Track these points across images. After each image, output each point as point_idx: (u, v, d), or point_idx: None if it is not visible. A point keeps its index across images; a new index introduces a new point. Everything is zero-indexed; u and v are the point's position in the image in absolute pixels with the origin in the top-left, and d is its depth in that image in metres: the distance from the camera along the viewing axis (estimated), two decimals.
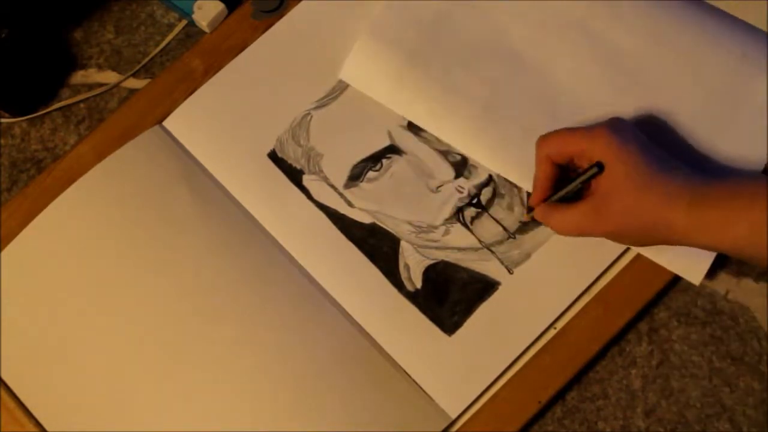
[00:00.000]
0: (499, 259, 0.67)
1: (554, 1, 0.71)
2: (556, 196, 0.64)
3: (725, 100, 0.69)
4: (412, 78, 0.70)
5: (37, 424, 0.64)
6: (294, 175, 0.70)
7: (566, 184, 0.64)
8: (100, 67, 0.75)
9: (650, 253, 0.66)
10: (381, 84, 0.70)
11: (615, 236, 0.63)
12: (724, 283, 0.69)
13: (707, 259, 0.66)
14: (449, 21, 0.72)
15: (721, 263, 0.69)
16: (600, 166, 0.61)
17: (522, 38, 0.71)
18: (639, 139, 0.62)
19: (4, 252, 0.67)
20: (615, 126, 0.62)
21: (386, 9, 0.72)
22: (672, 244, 0.61)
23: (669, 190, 0.60)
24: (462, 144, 0.69)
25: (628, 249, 0.67)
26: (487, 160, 0.69)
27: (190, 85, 0.72)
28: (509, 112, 0.69)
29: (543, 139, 0.64)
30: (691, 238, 0.60)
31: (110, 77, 0.75)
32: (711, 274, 0.69)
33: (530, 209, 0.66)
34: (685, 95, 0.69)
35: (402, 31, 0.71)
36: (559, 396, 0.66)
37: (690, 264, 0.66)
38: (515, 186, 0.69)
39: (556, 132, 0.64)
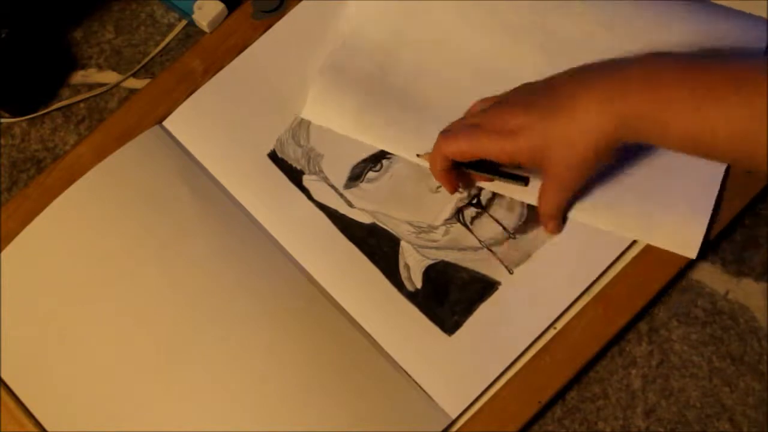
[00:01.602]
0: (499, 259, 0.67)
1: (507, 2, 0.71)
2: (502, 175, 0.66)
3: None
4: (373, 108, 0.70)
5: (37, 424, 0.64)
6: (294, 176, 0.70)
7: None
8: (100, 67, 0.75)
9: (641, 235, 0.66)
10: (343, 120, 0.70)
11: (581, 182, 0.64)
12: (724, 283, 0.69)
13: (699, 231, 0.66)
14: (402, 43, 0.71)
15: (721, 263, 0.69)
16: (526, 181, 0.65)
17: (483, 50, 0.71)
18: (509, 100, 0.64)
19: (4, 252, 0.67)
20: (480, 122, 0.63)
21: (337, 47, 0.71)
22: (639, 139, 0.59)
23: (587, 110, 0.58)
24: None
25: (628, 249, 0.67)
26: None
27: (190, 85, 0.72)
28: None
29: (446, 140, 0.64)
30: (631, 139, 0.59)
31: (110, 77, 0.75)
32: (711, 273, 0.69)
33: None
34: None
35: (357, 65, 0.71)
36: (559, 396, 0.66)
37: (683, 239, 0.66)
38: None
39: (462, 137, 0.63)
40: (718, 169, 0.68)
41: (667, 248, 0.66)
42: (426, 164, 0.67)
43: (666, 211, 0.67)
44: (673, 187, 0.67)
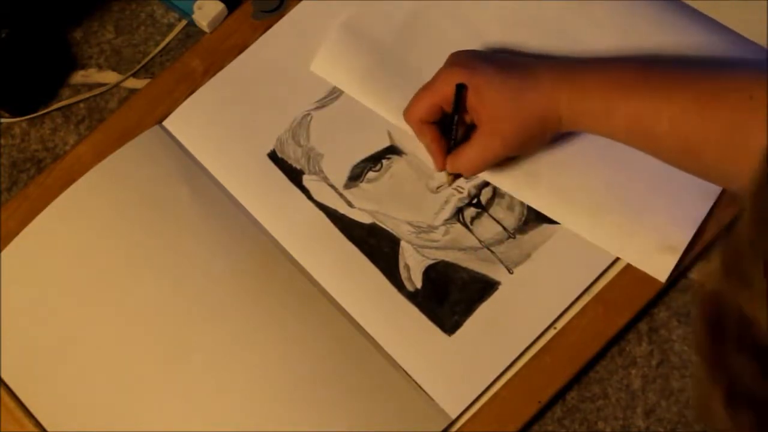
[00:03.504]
0: (499, 259, 0.67)
1: (529, 2, 0.71)
2: (451, 141, 0.65)
3: None
4: (382, 75, 0.70)
5: (37, 424, 0.64)
6: (294, 175, 0.70)
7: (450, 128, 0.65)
8: (100, 67, 0.75)
9: (616, 250, 0.66)
10: (351, 79, 0.71)
11: (517, 145, 0.65)
12: None
13: (672, 258, 0.66)
14: (424, 20, 0.72)
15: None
16: (460, 85, 0.63)
17: (495, 39, 0.71)
18: (480, 55, 0.65)
19: (4, 252, 0.67)
20: (454, 59, 0.65)
21: (361, 7, 0.72)
22: (563, 130, 0.64)
23: (545, 78, 0.63)
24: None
25: None
26: None
27: (190, 85, 0.72)
28: None
29: (406, 111, 0.66)
30: (578, 125, 0.63)
31: (110, 77, 0.75)
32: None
33: (449, 175, 0.67)
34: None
35: (375, 30, 0.71)
36: (559, 396, 0.66)
37: (656, 262, 0.66)
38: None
39: (412, 99, 0.65)
40: (706, 200, 0.67)
41: (639, 267, 0.66)
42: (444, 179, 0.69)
43: (646, 231, 0.66)
44: (659, 208, 0.67)
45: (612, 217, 0.67)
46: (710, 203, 0.67)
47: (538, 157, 0.68)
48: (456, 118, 0.64)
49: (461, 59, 0.65)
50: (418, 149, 0.69)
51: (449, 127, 0.65)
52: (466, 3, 0.72)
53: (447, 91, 0.64)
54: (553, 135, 0.65)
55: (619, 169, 0.67)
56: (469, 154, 0.64)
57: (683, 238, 0.66)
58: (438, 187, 0.69)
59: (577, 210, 0.67)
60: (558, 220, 0.67)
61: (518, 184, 0.68)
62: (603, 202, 0.67)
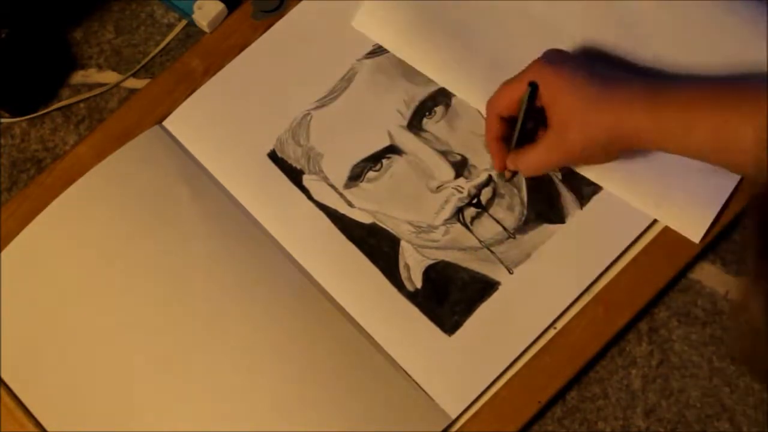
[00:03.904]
0: (499, 259, 0.67)
1: None
2: (514, 140, 0.65)
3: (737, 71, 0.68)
4: (425, 29, 0.71)
5: (37, 424, 0.64)
6: (294, 175, 0.70)
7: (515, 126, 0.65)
8: (100, 67, 0.75)
9: (650, 208, 0.66)
10: (394, 34, 0.71)
11: (586, 155, 0.64)
12: (724, 283, 0.69)
13: (708, 215, 0.66)
14: None
15: (721, 263, 0.69)
16: (533, 85, 0.62)
17: (540, 10, 0.71)
18: (575, 60, 0.64)
19: (4, 252, 0.67)
20: (547, 56, 0.64)
21: None
22: (640, 148, 0.63)
23: (623, 97, 0.61)
24: (473, 98, 0.70)
25: (628, 248, 0.67)
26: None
27: (190, 85, 0.72)
28: (520, 68, 0.67)
29: (490, 102, 0.66)
30: (657, 143, 0.62)
31: (110, 77, 0.75)
32: (711, 273, 0.69)
33: (508, 171, 0.68)
34: (695, 60, 0.69)
35: None
36: (559, 396, 0.66)
37: (690, 220, 0.66)
38: (515, 186, 0.69)
39: (498, 90, 0.66)
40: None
41: (671, 226, 0.66)
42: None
43: (680, 190, 0.66)
44: (693, 169, 0.65)
45: (647, 176, 0.67)
46: None
47: None
48: (522, 116, 0.64)
49: (553, 58, 0.64)
50: (418, 149, 0.69)
51: (515, 125, 0.65)
52: None
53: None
54: (622, 151, 0.65)
55: None
56: (531, 156, 0.65)
57: (719, 197, 0.66)
58: (438, 187, 0.69)
59: (613, 171, 0.67)
60: (595, 181, 0.68)
61: None
62: (638, 162, 0.67)
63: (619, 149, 0.64)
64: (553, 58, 0.64)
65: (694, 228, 0.66)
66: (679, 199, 0.66)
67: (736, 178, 0.66)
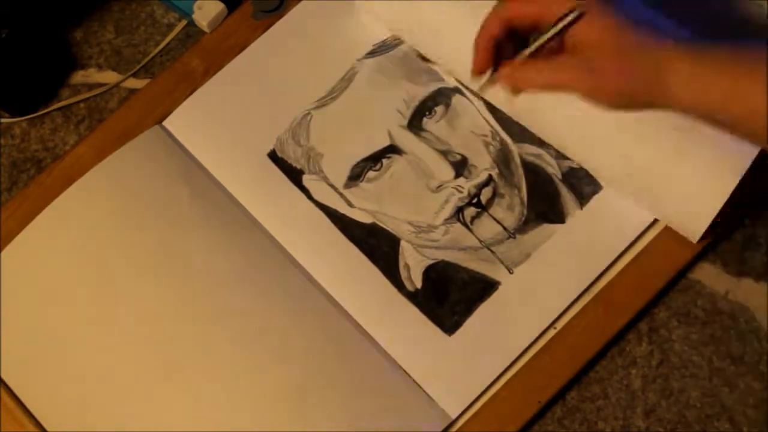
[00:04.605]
0: (499, 259, 0.67)
1: None
2: (529, 49, 0.59)
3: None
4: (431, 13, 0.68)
5: (37, 424, 0.64)
6: (294, 175, 0.70)
7: (530, 42, 0.59)
8: (100, 67, 0.75)
9: (649, 206, 0.66)
10: (395, 15, 0.70)
11: (604, 95, 0.58)
12: (724, 283, 0.69)
13: (707, 215, 0.64)
14: None
15: (721, 263, 0.69)
16: (579, 12, 0.57)
17: None
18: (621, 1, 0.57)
19: (4, 252, 0.67)
20: None
21: None
22: (672, 109, 0.57)
23: (667, 46, 0.55)
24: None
25: (628, 248, 0.67)
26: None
27: (190, 85, 0.72)
28: None
29: (504, 3, 0.59)
30: (693, 108, 0.56)
31: (110, 77, 0.75)
32: (711, 273, 0.69)
33: (478, 77, 0.61)
34: None
35: None
36: (559, 396, 0.66)
37: (689, 220, 0.65)
38: (515, 186, 0.69)
39: None
40: (744, 160, 0.64)
41: (670, 225, 0.66)
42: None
43: (680, 189, 0.65)
44: (693, 169, 0.64)
45: (645, 176, 0.65)
46: (745, 165, 0.63)
47: (572, 116, 0.66)
48: (549, 36, 0.58)
49: None
50: (418, 149, 0.69)
51: (526, 44, 0.60)
52: None
53: (553, 7, 0.57)
54: (639, 106, 0.59)
55: (650, 131, 0.65)
56: (548, 71, 0.58)
57: (718, 197, 0.64)
58: (438, 187, 0.69)
59: (611, 168, 0.66)
60: (596, 176, 0.67)
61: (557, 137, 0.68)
62: (636, 162, 0.65)
63: (638, 104, 0.59)
64: None
65: (692, 228, 0.65)
66: (679, 198, 0.66)
67: (736, 178, 0.65)
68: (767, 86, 0.53)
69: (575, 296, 0.66)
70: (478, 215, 0.68)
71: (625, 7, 0.58)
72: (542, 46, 0.59)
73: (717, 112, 0.56)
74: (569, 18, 0.57)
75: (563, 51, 0.59)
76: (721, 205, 0.64)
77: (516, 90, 0.62)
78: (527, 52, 0.59)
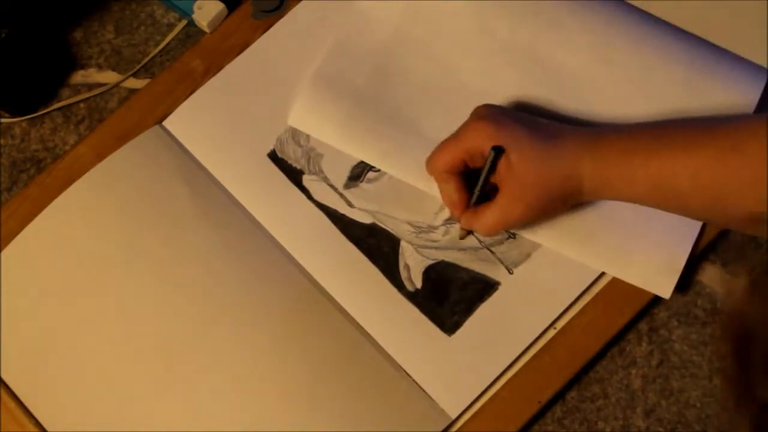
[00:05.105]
0: (499, 259, 0.67)
1: (500, 29, 0.70)
2: (473, 199, 0.64)
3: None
4: (361, 120, 0.69)
5: (37, 424, 0.64)
6: (294, 175, 0.70)
7: (475, 184, 0.64)
8: (100, 67, 0.75)
9: (616, 271, 0.66)
10: (331, 130, 0.69)
11: (539, 214, 0.63)
12: (724, 283, 0.69)
13: (674, 273, 0.66)
14: (395, 60, 0.71)
15: (721, 263, 0.69)
16: (497, 149, 0.61)
17: (470, 71, 0.70)
18: (511, 114, 0.63)
19: (4, 252, 0.67)
20: (481, 112, 0.63)
21: (330, 54, 0.71)
22: (584, 199, 0.63)
23: (572, 146, 0.61)
24: (419, 181, 0.68)
25: None
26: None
27: (190, 85, 0.72)
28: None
29: (429, 161, 0.65)
30: (600, 194, 0.63)
31: (110, 77, 0.75)
32: (711, 273, 0.69)
33: (462, 229, 0.67)
34: (635, 115, 0.68)
35: (348, 76, 0.70)
36: (559, 396, 0.66)
37: (658, 279, 0.66)
38: None
39: (436, 148, 0.64)
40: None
41: (641, 286, 0.66)
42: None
43: (643, 249, 0.66)
44: (653, 225, 0.66)
45: (608, 240, 0.66)
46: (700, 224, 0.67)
47: None
48: (484, 178, 0.63)
49: (489, 114, 0.63)
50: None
51: (473, 185, 0.64)
52: (433, 39, 0.71)
53: (473, 145, 0.62)
54: (572, 204, 0.64)
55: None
56: (488, 216, 0.63)
57: (681, 254, 0.66)
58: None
59: (571, 235, 0.67)
60: (553, 247, 0.67)
61: None
62: (597, 226, 0.67)
63: (572, 202, 0.64)
64: (487, 113, 0.63)
65: (662, 284, 0.66)
66: (642, 254, 0.66)
67: (694, 236, 0.66)
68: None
69: (575, 296, 0.66)
70: None
71: (514, 119, 0.63)
72: (486, 191, 0.64)
73: (622, 198, 0.63)
74: (490, 160, 0.61)
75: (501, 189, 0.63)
76: (688, 254, 0.66)
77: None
78: (473, 201, 0.64)
